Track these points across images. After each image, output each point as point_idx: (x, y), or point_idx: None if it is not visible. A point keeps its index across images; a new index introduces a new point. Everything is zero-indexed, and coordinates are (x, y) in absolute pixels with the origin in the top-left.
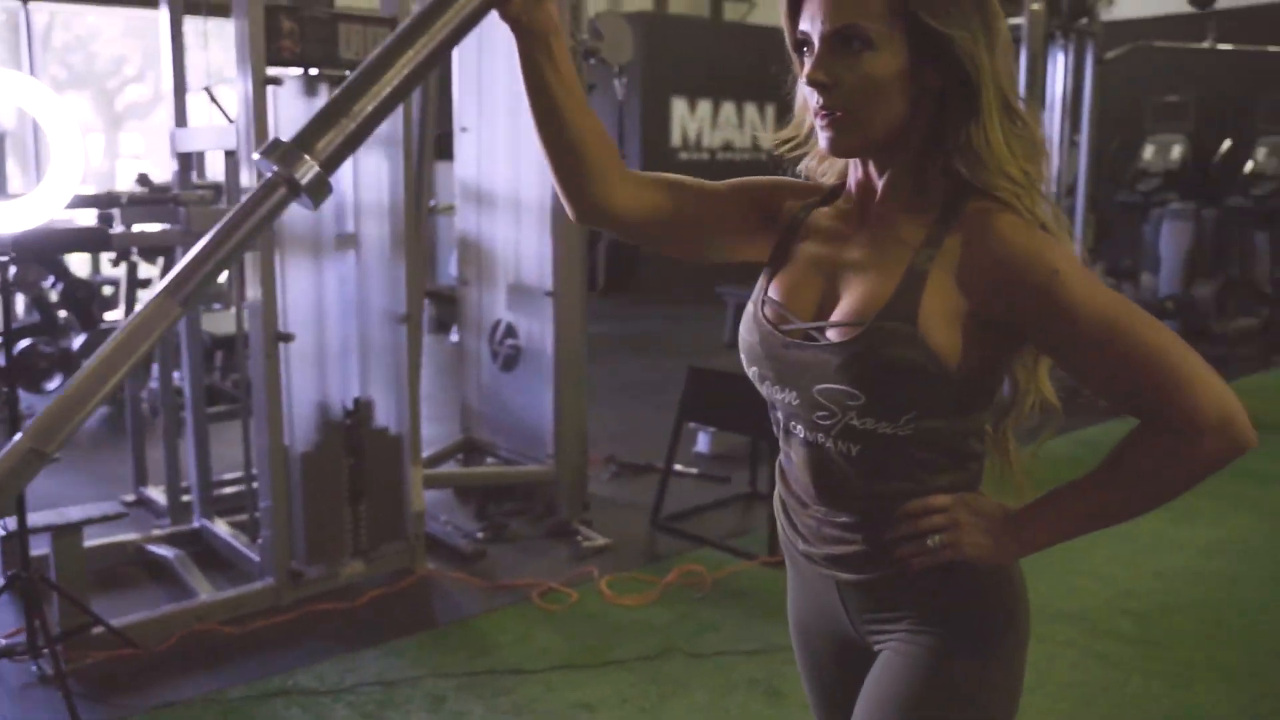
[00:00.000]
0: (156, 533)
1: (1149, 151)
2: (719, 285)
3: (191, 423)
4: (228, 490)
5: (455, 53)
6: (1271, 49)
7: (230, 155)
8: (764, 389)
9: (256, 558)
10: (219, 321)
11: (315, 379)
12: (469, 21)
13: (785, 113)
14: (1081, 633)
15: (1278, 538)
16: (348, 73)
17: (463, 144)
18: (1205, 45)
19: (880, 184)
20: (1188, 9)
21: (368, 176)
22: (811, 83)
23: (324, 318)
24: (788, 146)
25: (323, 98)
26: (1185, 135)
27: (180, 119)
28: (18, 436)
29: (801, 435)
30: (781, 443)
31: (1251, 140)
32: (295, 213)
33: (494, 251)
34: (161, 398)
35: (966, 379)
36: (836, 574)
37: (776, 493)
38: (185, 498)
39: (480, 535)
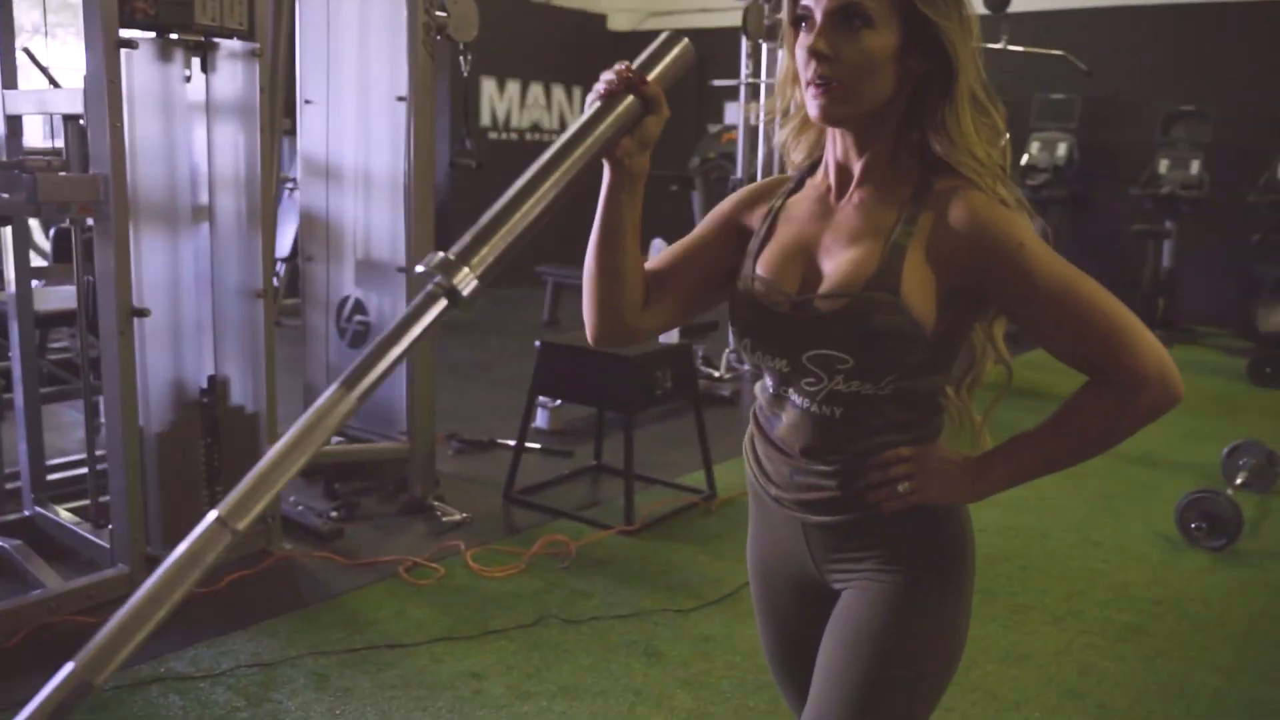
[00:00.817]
0: None
1: None
2: (538, 265)
3: (22, 405)
4: (59, 475)
5: (299, 25)
6: (1054, 51)
7: (71, 120)
8: (754, 358)
9: (106, 544)
10: (40, 298)
11: (170, 356)
12: (598, 155)
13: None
14: None
15: (1076, 495)
16: (207, 38)
17: (307, 117)
18: (999, 46)
19: (858, 165)
20: (983, 10)
21: (223, 147)
22: (813, 52)
23: (179, 292)
24: (770, 116)
25: (178, 63)
26: None
27: (9, 80)
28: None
29: (792, 400)
30: (767, 405)
31: (1025, 136)
32: (145, 180)
33: (341, 227)
34: None
35: (938, 342)
36: (807, 517)
37: (748, 438)
38: (10, 485)
39: (334, 514)
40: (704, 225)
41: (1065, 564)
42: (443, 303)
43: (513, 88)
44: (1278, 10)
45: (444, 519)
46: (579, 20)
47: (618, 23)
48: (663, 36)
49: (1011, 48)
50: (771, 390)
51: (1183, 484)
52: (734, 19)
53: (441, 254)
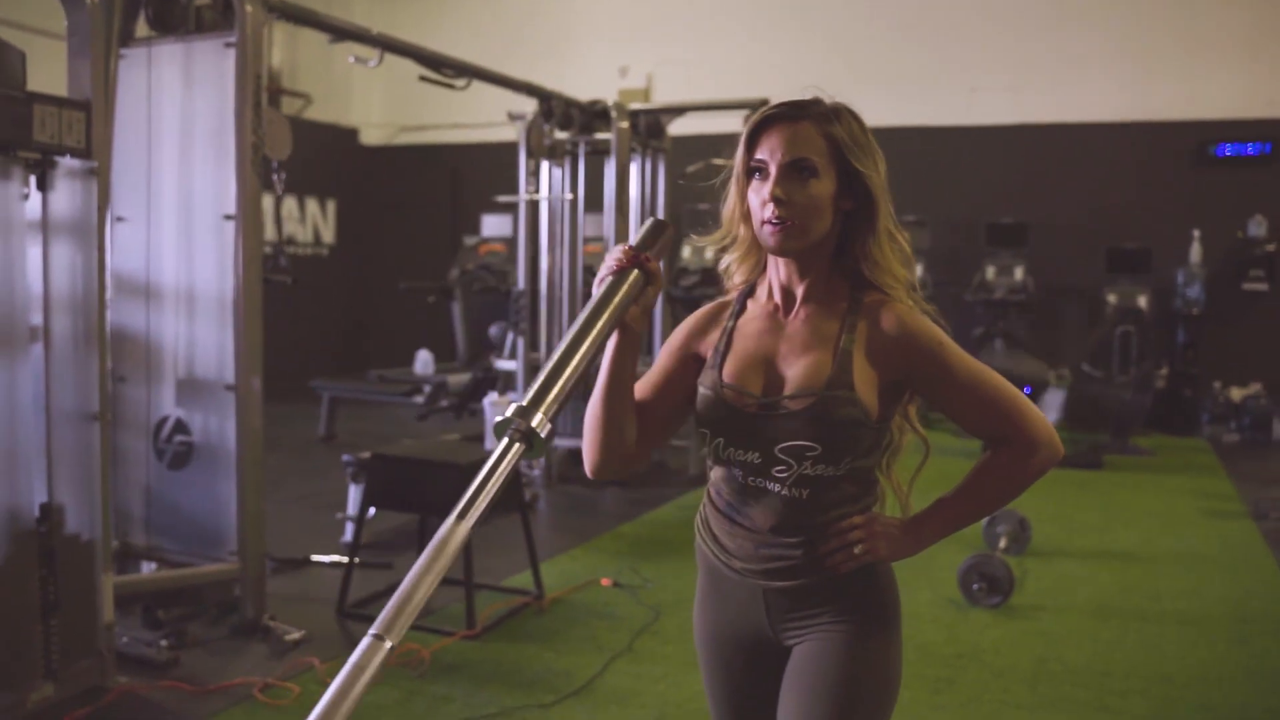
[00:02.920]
0: None
1: (686, 251)
2: (312, 380)
3: None
4: None
5: (116, 140)
6: None
7: None
8: (725, 454)
9: None
10: None
11: (3, 483)
12: (619, 319)
13: (346, 209)
14: None
15: None
16: (45, 156)
17: (121, 234)
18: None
19: (800, 288)
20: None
21: (59, 267)
22: (774, 198)
23: (12, 416)
24: (716, 245)
25: (15, 181)
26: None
27: None
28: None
29: (763, 486)
30: (733, 494)
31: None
32: None
33: (161, 346)
34: None
35: (879, 426)
36: (770, 583)
37: (702, 521)
38: None
39: (164, 643)
40: (666, 359)
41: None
42: (521, 445)
43: (265, 201)
44: (983, 134)
45: (285, 638)
46: (332, 134)
47: (370, 137)
48: (651, 221)
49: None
50: (740, 480)
51: (951, 553)
52: (483, 135)
53: (517, 403)
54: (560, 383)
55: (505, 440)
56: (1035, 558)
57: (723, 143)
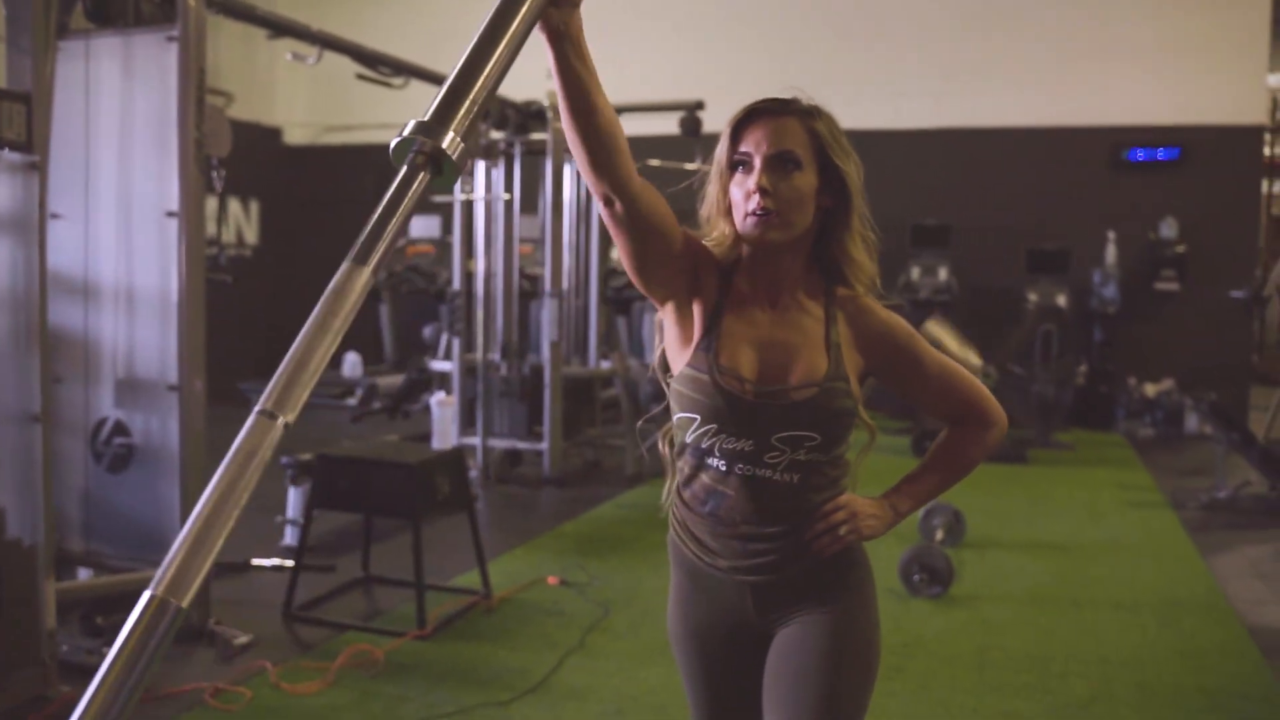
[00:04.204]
0: None
1: (615, 253)
2: (241, 382)
3: None
4: None
5: (53, 136)
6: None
7: None
8: (714, 441)
9: None
10: None
11: None
12: (530, 26)
13: (270, 209)
14: None
15: None
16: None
17: (56, 232)
18: (694, 166)
19: (783, 280)
20: (676, 132)
21: None
22: (759, 188)
23: None
24: (702, 237)
25: None
26: None
27: None
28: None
29: (745, 473)
30: (714, 483)
31: None
32: None
33: (99, 346)
34: None
35: (856, 413)
36: (757, 579)
37: (679, 527)
38: None
39: (106, 650)
40: (687, 242)
41: None
42: (426, 174)
43: (215, 202)
44: (908, 138)
45: (233, 641)
46: (254, 133)
47: (294, 136)
48: None
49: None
50: (723, 470)
51: (888, 545)
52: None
53: (415, 120)
54: (471, 93)
55: (406, 167)
56: (970, 549)
57: (658, 145)
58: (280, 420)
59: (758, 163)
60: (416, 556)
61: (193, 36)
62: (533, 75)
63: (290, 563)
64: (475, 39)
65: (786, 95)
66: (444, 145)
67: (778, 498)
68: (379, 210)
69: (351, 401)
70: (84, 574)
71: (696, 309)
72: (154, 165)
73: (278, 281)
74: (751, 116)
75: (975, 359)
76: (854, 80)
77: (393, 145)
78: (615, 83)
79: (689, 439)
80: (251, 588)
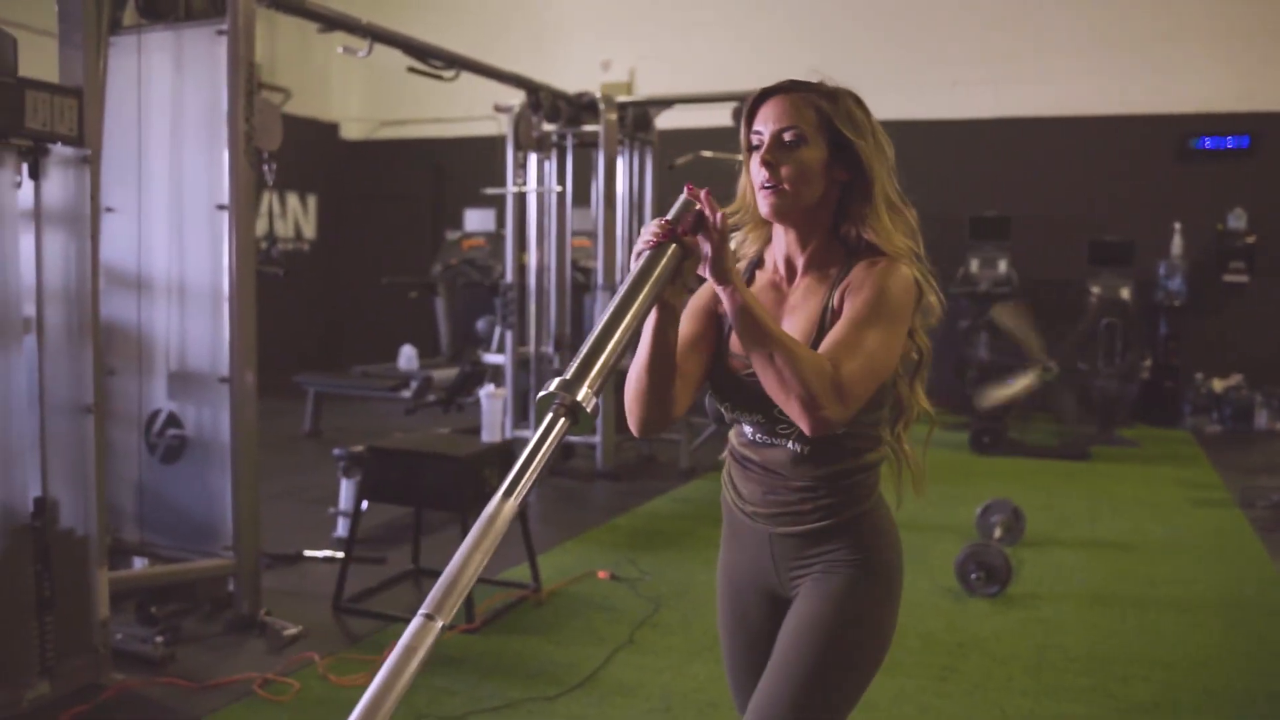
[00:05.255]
0: None
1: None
2: (296, 375)
3: None
4: None
5: (106, 130)
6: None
7: None
8: (735, 415)
9: None
10: None
11: None
12: (662, 289)
13: (326, 204)
14: None
15: None
16: (37, 143)
17: (111, 225)
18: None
19: (802, 258)
20: (729, 124)
21: (52, 257)
22: (764, 163)
23: (6, 409)
24: (733, 218)
25: (8, 169)
26: None
27: None
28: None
29: (770, 442)
30: (745, 447)
31: None
32: None
33: (153, 338)
34: None
35: None
36: (774, 529)
37: (726, 471)
38: None
39: (159, 639)
40: (693, 320)
41: None
42: (566, 422)
43: (268, 196)
44: (966, 128)
45: (283, 633)
46: (312, 129)
47: (350, 131)
48: (685, 196)
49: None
50: (750, 437)
51: (947, 543)
52: (465, 129)
53: (559, 378)
54: (604, 357)
55: (550, 416)
56: (1029, 547)
57: (710, 136)
58: (438, 623)
59: (766, 139)
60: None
61: (242, 30)
62: (579, 69)
63: (341, 555)
64: (612, 307)
65: (810, 79)
66: (579, 399)
67: (796, 465)
68: (527, 450)
69: (406, 394)
70: (139, 563)
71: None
72: (204, 159)
73: (334, 275)
74: (763, 98)
75: (1038, 350)
76: (910, 70)
77: (539, 396)
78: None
79: (725, 412)
80: (303, 579)
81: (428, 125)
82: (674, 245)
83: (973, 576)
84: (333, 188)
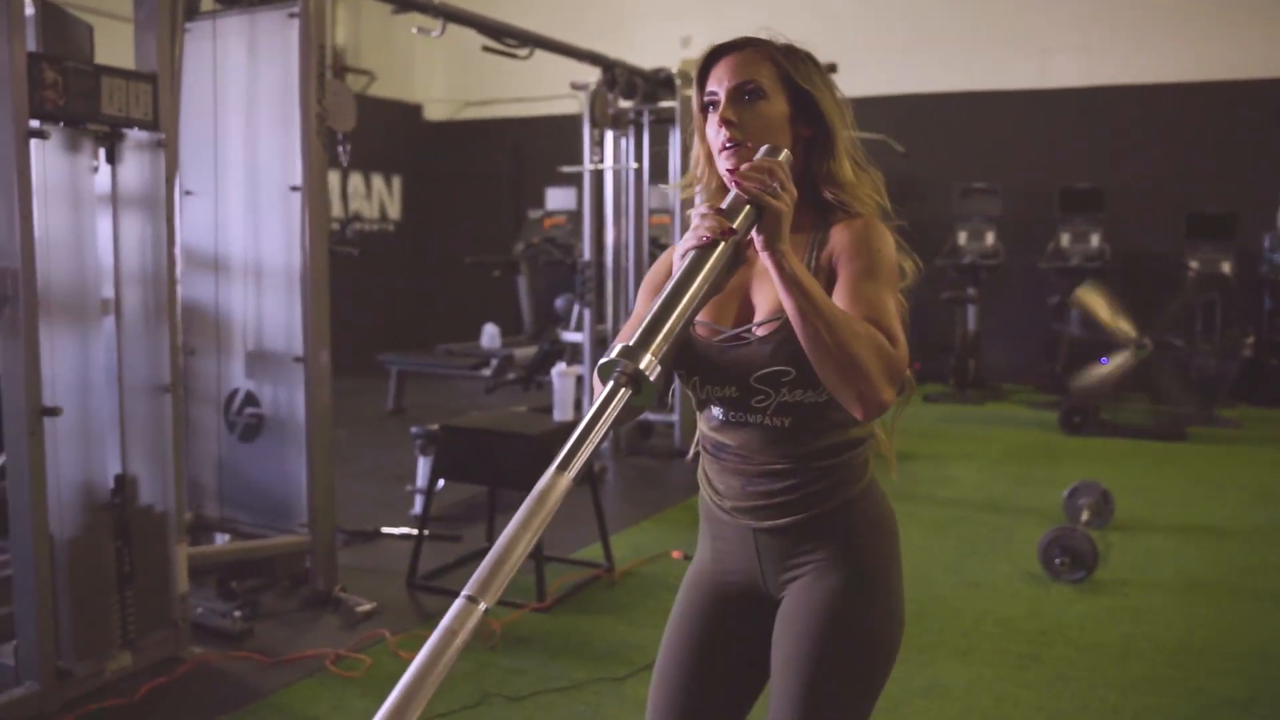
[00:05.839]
0: None
1: None
2: (380, 354)
3: None
4: None
5: (183, 115)
6: (874, 135)
7: None
8: (704, 392)
9: (9, 661)
10: None
11: (78, 456)
12: (714, 290)
13: (411, 185)
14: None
15: (942, 542)
16: (114, 129)
17: (189, 208)
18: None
19: None
20: None
21: (129, 239)
22: (723, 120)
23: (86, 389)
24: (685, 192)
25: (85, 154)
26: None
27: None
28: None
29: (744, 420)
30: (715, 434)
31: None
32: (53, 274)
33: (230, 319)
34: None
35: None
36: (759, 523)
37: (701, 468)
38: None
39: (238, 613)
40: (644, 303)
41: (952, 604)
42: (627, 390)
43: (332, 177)
44: (1056, 97)
45: (356, 609)
46: (396, 111)
47: (434, 113)
48: (735, 192)
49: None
50: (720, 418)
51: (1031, 525)
52: (545, 108)
53: (621, 344)
54: (670, 323)
55: (610, 384)
56: (1119, 531)
57: None
58: (481, 605)
59: (722, 97)
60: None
61: (313, 12)
62: (658, 46)
63: (416, 532)
64: (676, 276)
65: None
66: (642, 367)
67: (775, 443)
68: (584, 421)
69: (486, 372)
70: (221, 539)
71: None
72: (278, 141)
73: (418, 255)
74: (713, 57)
75: (1129, 329)
76: (997, 39)
77: (600, 363)
78: None
79: (692, 393)
80: (379, 555)
81: (510, 105)
82: (722, 245)
83: (1057, 561)
84: (416, 169)
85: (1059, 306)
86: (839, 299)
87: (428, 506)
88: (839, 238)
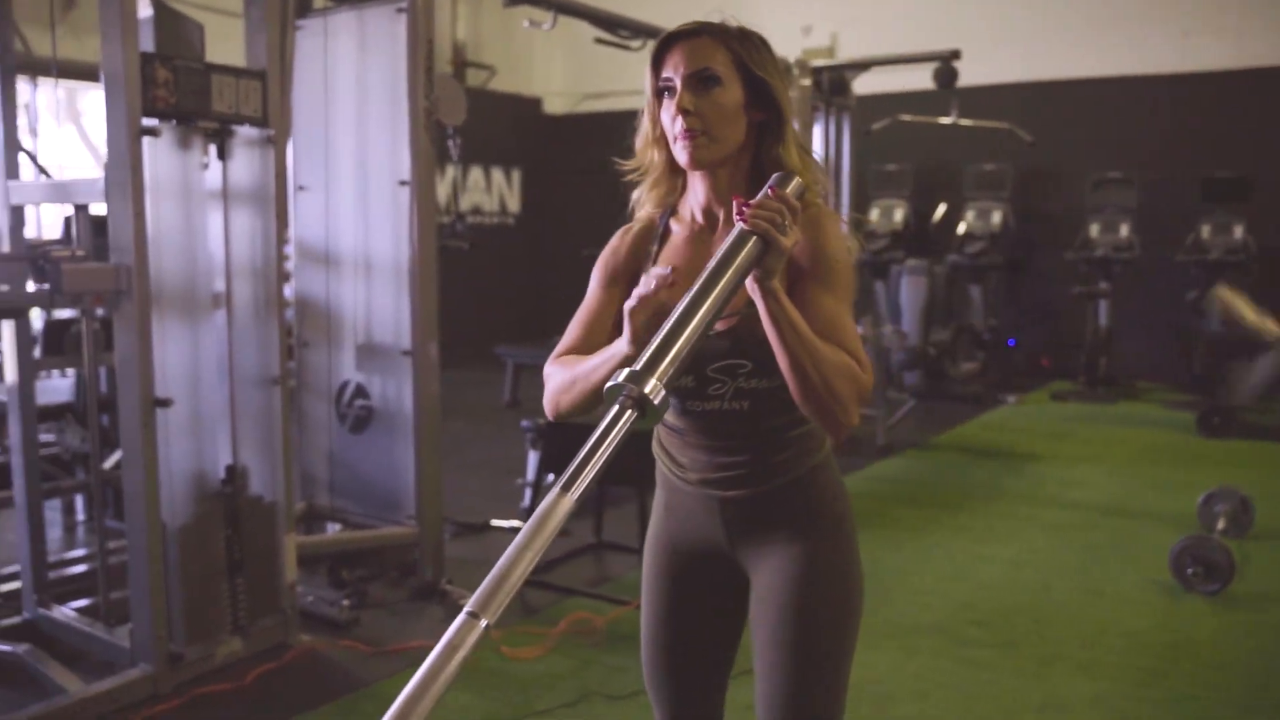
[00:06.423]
0: None
1: (874, 213)
2: (497, 347)
3: (24, 502)
4: (54, 574)
5: (296, 111)
6: (1000, 124)
7: (81, 209)
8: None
9: (124, 644)
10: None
11: (190, 446)
12: (740, 281)
13: (530, 178)
14: (945, 643)
15: (1066, 547)
16: (224, 125)
17: (302, 203)
18: (949, 121)
19: (723, 211)
20: (930, 86)
21: (239, 234)
22: (681, 109)
23: (197, 381)
24: (631, 176)
25: (196, 151)
26: (905, 199)
27: (12, 171)
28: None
29: (696, 408)
30: (677, 420)
31: (961, 204)
32: (165, 268)
33: (341, 312)
34: None
35: None
36: (724, 493)
37: (657, 439)
38: (7, 586)
39: (346, 602)
40: (598, 294)
41: (1074, 614)
42: (633, 413)
43: (452, 170)
44: (1198, 83)
45: (460, 602)
46: (515, 104)
47: (553, 106)
48: (777, 176)
49: (961, 121)
50: (678, 406)
51: (1162, 532)
52: None
53: (628, 369)
54: (675, 348)
55: (616, 407)
56: (1259, 541)
57: (910, 100)
58: (483, 622)
59: (678, 84)
60: (642, 524)
61: (421, 6)
62: (779, 35)
63: (520, 525)
64: (689, 295)
65: (711, 19)
66: (648, 391)
67: (732, 426)
68: (589, 444)
69: None
70: (333, 529)
71: (638, 272)
72: (387, 136)
73: (537, 249)
74: (669, 43)
75: (1275, 327)
76: (1135, 19)
77: (607, 386)
78: (869, 40)
79: None
80: (488, 548)
81: (628, 98)
82: (755, 237)
83: (1189, 571)
84: (536, 162)
85: (1196, 301)
86: (800, 312)
87: (534, 501)
88: (801, 239)
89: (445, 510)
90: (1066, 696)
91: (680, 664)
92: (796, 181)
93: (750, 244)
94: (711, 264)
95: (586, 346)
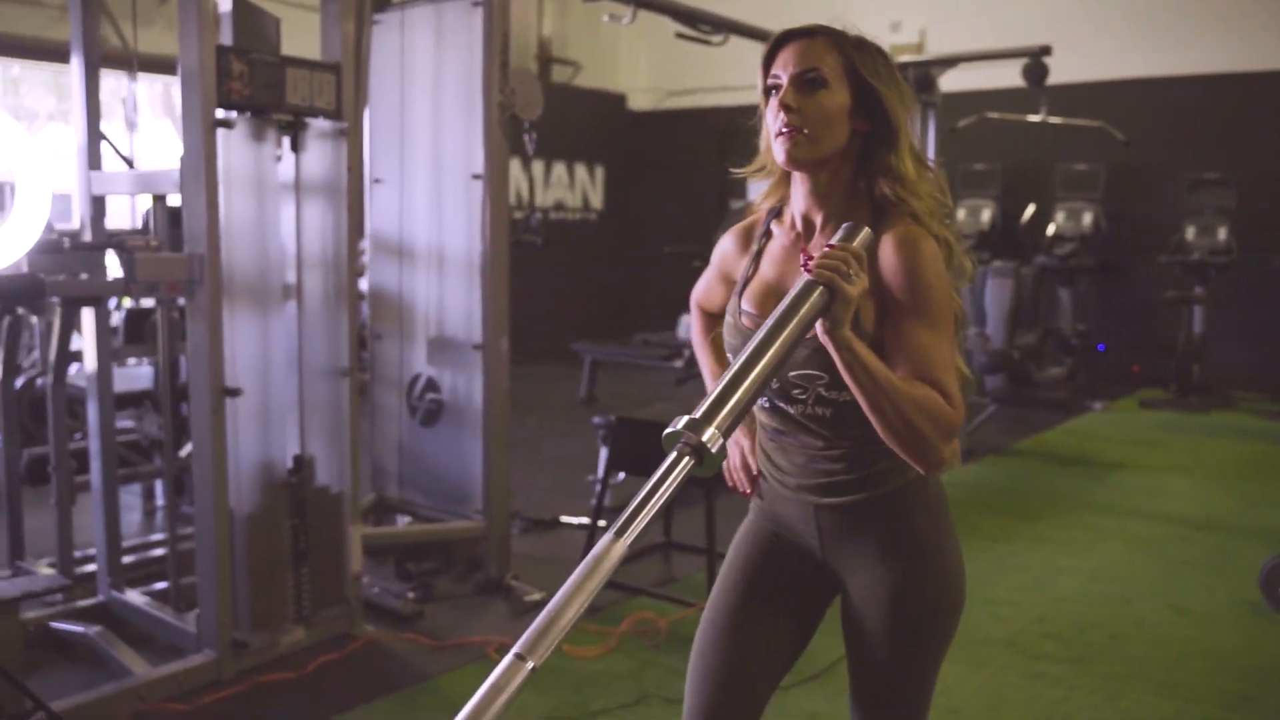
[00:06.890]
0: (58, 609)
1: (961, 213)
2: (574, 343)
3: (101, 486)
4: (129, 558)
5: (373, 104)
6: (1092, 122)
7: (159, 200)
8: None
9: (191, 629)
10: None
11: (258, 436)
12: (806, 331)
13: (614, 174)
14: (1016, 657)
15: (1151, 561)
16: (297, 118)
17: (378, 195)
18: (1038, 119)
19: (820, 215)
20: (1018, 83)
21: (311, 226)
22: (783, 105)
23: (267, 371)
24: (753, 173)
25: (269, 143)
26: (992, 199)
27: (94, 162)
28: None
29: (786, 410)
30: (771, 420)
31: (1051, 205)
32: (238, 259)
33: (413, 305)
34: (55, 460)
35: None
36: (820, 499)
37: (760, 446)
38: (84, 569)
39: (411, 595)
40: (713, 277)
41: (1156, 632)
42: (690, 460)
43: (536, 167)
44: None
45: (525, 598)
46: (600, 100)
47: (638, 102)
48: (846, 227)
49: (1051, 119)
50: (767, 405)
51: (1255, 549)
52: (750, 97)
53: (688, 416)
54: (735, 398)
55: (674, 454)
56: None
57: (998, 98)
58: (529, 664)
59: (785, 82)
60: (708, 524)
61: (496, 1)
62: (873, 29)
63: (598, 524)
64: (753, 343)
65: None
66: (706, 440)
67: (820, 428)
68: (645, 489)
69: (679, 364)
70: (402, 520)
71: (741, 267)
72: (462, 130)
73: (620, 245)
74: (782, 41)
75: None
76: (1233, 15)
77: (666, 433)
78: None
79: None
80: (556, 544)
81: (713, 94)
82: (821, 287)
83: None
84: (620, 158)
85: None
86: (891, 344)
87: (601, 498)
88: (889, 259)
89: (515, 505)
90: (1142, 718)
91: (733, 656)
92: (865, 232)
93: (816, 294)
94: (776, 313)
95: (707, 301)
